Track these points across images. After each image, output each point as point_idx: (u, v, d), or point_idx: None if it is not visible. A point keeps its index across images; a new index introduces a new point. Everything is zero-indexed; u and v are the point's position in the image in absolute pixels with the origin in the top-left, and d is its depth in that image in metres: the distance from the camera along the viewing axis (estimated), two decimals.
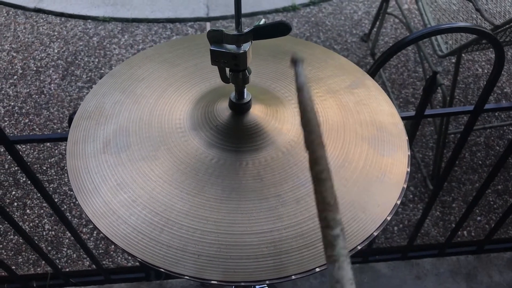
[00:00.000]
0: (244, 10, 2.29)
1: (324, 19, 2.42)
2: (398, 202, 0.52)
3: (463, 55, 2.15)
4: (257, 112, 0.57)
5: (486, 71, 2.12)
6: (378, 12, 2.06)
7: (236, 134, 0.55)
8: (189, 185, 0.52)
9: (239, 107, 0.56)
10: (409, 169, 0.54)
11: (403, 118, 0.80)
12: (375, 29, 2.15)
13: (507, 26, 1.24)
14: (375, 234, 0.49)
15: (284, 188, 0.52)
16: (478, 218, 1.66)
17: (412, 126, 1.01)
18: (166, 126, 0.57)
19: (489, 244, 1.51)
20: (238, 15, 0.49)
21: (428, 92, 0.91)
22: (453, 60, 2.10)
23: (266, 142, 0.55)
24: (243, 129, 0.56)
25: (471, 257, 1.47)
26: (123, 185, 0.52)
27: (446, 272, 1.45)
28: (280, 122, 0.57)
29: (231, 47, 0.49)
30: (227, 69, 0.52)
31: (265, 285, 0.95)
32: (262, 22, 0.49)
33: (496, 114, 1.96)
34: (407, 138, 0.57)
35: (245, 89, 0.55)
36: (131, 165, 0.54)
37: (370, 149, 0.56)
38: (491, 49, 1.88)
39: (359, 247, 0.48)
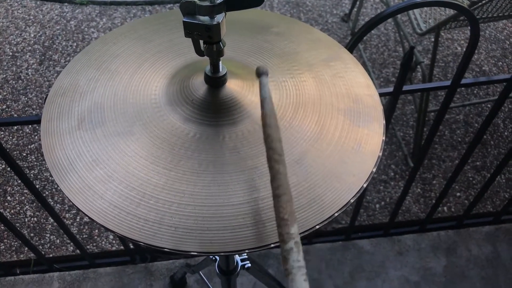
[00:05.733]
0: None
1: (305, 0, 2.41)
2: (374, 170, 0.52)
3: (442, 33, 2.16)
4: (233, 86, 0.57)
5: (465, 49, 2.14)
6: None
7: (212, 108, 0.55)
8: (165, 160, 0.52)
9: (215, 81, 0.55)
10: (384, 138, 0.55)
11: (381, 94, 0.81)
12: (355, 9, 2.15)
13: (483, 1, 1.25)
14: (352, 201, 0.50)
15: (260, 160, 0.52)
16: (458, 194, 1.69)
17: (391, 101, 1.02)
18: (141, 102, 0.57)
19: (468, 219, 1.55)
20: None
21: (406, 67, 0.92)
22: (433, 39, 2.12)
23: (243, 116, 0.55)
24: (219, 103, 0.56)
25: (451, 232, 1.50)
26: (98, 161, 0.52)
27: (427, 247, 1.48)
28: (256, 96, 0.57)
29: (204, 19, 0.49)
30: (201, 42, 0.52)
31: (248, 262, 0.96)
32: None
33: (475, 91, 1.98)
34: (382, 107, 0.57)
35: (220, 62, 0.55)
36: (106, 141, 0.53)
37: (346, 121, 0.56)
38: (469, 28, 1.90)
39: (336, 214, 0.48)
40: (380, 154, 0.54)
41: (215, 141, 0.53)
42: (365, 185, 0.51)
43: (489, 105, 1.93)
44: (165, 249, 0.46)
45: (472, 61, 2.09)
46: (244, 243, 0.47)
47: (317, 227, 0.48)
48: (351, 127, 0.55)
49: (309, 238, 1.49)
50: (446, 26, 1.47)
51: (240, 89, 0.57)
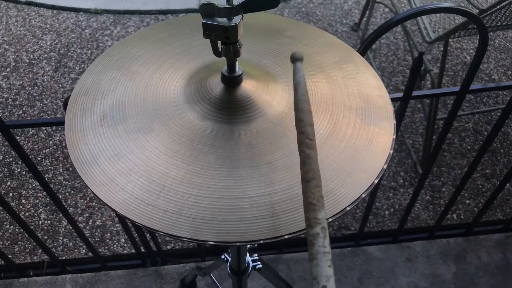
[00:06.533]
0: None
1: (315, 9, 2.45)
2: (385, 167, 0.54)
3: (451, 42, 2.18)
4: (248, 86, 0.59)
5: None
6: (367, 2, 2.08)
7: (228, 107, 0.58)
8: (183, 154, 0.54)
9: (231, 80, 0.58)
10: (395, 136, 0.57)
11: (391, 100, 0.82)
12: (365, 19, 2.18)
13: (493, 10, 1.27)
14: (363, 196, 0.51)
15: (275, 156, 0.54)
16: (467, 201, 1.69)
17: (401, 107, 1.04)
18: (161, 100, 0.59)
19: (478, 227, 1.55)
20: None
21: (415, 72, 0.94)
22: (442, 49, 2.13)
23: (257, 114, 0.57)
24: (235, 101, 0.58)
25: (460, 239, 1.51)
26: (120, 155, 0.54)
27: (436, 254, 1.48)
28: (270, 96, 0.59)
29: (222, 20, 0.51)
30: (219, 43, 0.54)
31: (259, 263, 0.98)
32: None
33: (484, 100, 1.99)
34: (392, 108, 0.59)
35: (237, 63, 0.57)
36: (128, 137, 0.56)
37: (357, 119, 0.58)
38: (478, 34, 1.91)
39: (348, 208, 0.50)
40: (391, 152, 0.56)
41: (231, 138, 0.55)
42: (376, 181, 0.53)
43: (498, 113, 1.94)
44: (184, 239, 0.48)
45: (481, 70, 2.11)
46: (259, 233, 0.49)
47: (330, 220, 0.50)
48: (362, 126, 0.57)
49: None
50: (455, 34, 1.49)
51: (255, 89, 0.59)
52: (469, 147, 1.84)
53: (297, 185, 0.52)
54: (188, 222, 0.49)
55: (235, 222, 0.49)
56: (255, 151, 0.54)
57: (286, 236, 0.49)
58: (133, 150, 0.54)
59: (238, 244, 0.48)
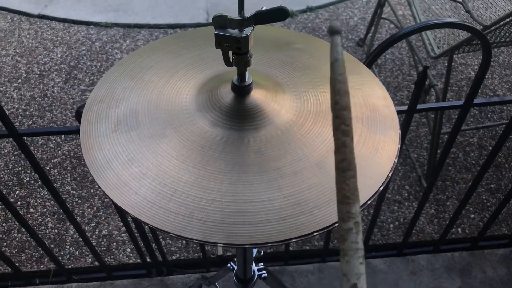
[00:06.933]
0: None
1: (321, 25, 2.48)
2: (390, 175, 0.56)
3: (456, 58, 2.20)
4: (257, 95, 0.61)
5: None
6: (373, 18, 2.12)
7: (238, 114, 0.60)
8: (194, 160, 0.56)
9: (241, 89, 0.60)
10: (400, 146, 0.58)
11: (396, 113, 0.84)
12: (370, 34, 2.21)
13: (497, 26, 1.29)
14: (369, 202, 0.53)
15: (282, 162, 0.56)
16: (472, 215, 1.69)
17: (405, 120, 1.05)
18: (173, 108, 0.61)
19: (483, 241, 1.55)
20: (241, 1, 0.53)
21: (420, 86, 0.95)
22: (447, 64, 2.16)
23: (266, 122, 0.59)
24: (245, 109, 0.60)
25: (465, 253, 1.50)
26: (133, 160, 0.56)
27: (441, 268, 1.48)
28: (279, 105, 0.61)
29: (234, 31, 0.54)
30: (230, 53, 0.57)
31: (264, 272, 0.99)
32: (263, 9, 0.54)
33: (489, 115, 2.01)
34: (397, 118, 0.61)
35: (247, 72, 0.59)
36: (141, 142, 0.58)
37: (363, 128, 0.60)
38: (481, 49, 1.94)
39: None
40: (396, 160, 0.58)
41: (240, 144, 0.57)
42: (381, 188, 0.55)
43: (503, 128, 1.95)
44: (195, 240, 0.50)
45: (486, 85, 2.13)
46: (267, 236, 0.50)
47: (337, 224, 0.51)
48: (368, 134, 0.59)
49: (323, 256, 1.51)
50: (460, 50, 1.51)
51: (263, 98, 0.61)
52: (473, 161, 1.84)
53: (304, 191, 0.53)
54: (198, 225, 0.51)
55: (244, 225, 0.51)
56: (264, 157, 0.56)
57: (294, 240, 0.50)
58: (146, 155, 0.56)
59: (247, 246, 0.50)
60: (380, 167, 0.56)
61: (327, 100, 0.63)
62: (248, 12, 0.53)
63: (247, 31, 0.54)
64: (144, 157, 0.56)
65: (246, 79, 0.60)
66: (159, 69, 0.69)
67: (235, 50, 0.55)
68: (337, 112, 0.36)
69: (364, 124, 0.60)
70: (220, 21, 0.54)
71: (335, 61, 0.39)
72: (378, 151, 0.58)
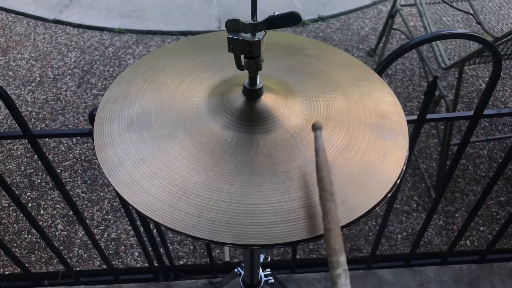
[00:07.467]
0: None
1: (332, 34, 2.50)
2: (398, 181, 0.56)
3: (466, 70, 2.20)
4: (268, 99, 0.62)
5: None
6: (384, 28, 2.13)
7: (249, 118, 0.60)
8: (205, 161, 0.57)
9: (252, 93, 0.61)
10: (408, 154, 0.59)
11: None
12: (381, 44, 2.21)
13: (508, 38, 1.29)
14: (377, 207, 0.53)
15: (291, 165, 0.56)
16: (481, 228, 1.68)
17: (415, 130, 1.06)
18: (185, 110, 0.63)
19: (492, 254, 1.53)
20: (254, 6, 0.54)
21: (430, 96, 0.96)
22: (457, 75, 2.16)
23: (276, 126, 0.60)
24: (255, 113, 0.61)
25: (474, 266, 1.49)
26: (145, 159, 0.57)
27: (449, 280, 1.47)
28: (289, 109, 0.62)
29: (246, 35, 0.55)
30: (242, 57, 0.58)
31: (271, 278, 0.99)
32: (275, 14, 0.55)
33: (500, 127, 2.00)
34: (406, 124, 0.61)
35: (258, 76, 0.60)
36: (153, 142, 0.59)
37: (372, 134, 0.60)
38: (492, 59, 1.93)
39: (362, 219, 0.52)
40: (404, 168, 0.58)
41: (250, 147, 0.58)
42: (388, 195, 0.55)
43: None
44: (203, 240, 0.51)
45: (497, 98, 2.12)
46: (274, 238, 0.51)
47: (344, 230, 0.52)
48: (377, 140, 0.60)
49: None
50: (470, 61, 1.51)
51: (274, 102, 0.62)
52: (483, 173, 1.83)
53: (312, 194, 0.54)
54: (207, 224, 0.51)
55: (252, 226, 0.51)
56: (273, 160, 0.57)
57: (301, 243, 0.51)
58: (157, 155, 0.57)
59: (254, 247, 0.50)
60: (388, 173, 0.57)
61: (337, 105, 0.64)
62: (261, 17, 0.55)
63: (259, 35, 0.55)
64: (156, 157, 0.57)
65: (257, 83, 0.61)
66: (173, 72, 0.70)
67: (247, 54, 0.56)
68: (323, 186, 0.46)
69: (374, 130, 0.61)
70: (233, 25, 0.55)
71: (319, 149, 0.51)
72: (387, 156, 0.58)
